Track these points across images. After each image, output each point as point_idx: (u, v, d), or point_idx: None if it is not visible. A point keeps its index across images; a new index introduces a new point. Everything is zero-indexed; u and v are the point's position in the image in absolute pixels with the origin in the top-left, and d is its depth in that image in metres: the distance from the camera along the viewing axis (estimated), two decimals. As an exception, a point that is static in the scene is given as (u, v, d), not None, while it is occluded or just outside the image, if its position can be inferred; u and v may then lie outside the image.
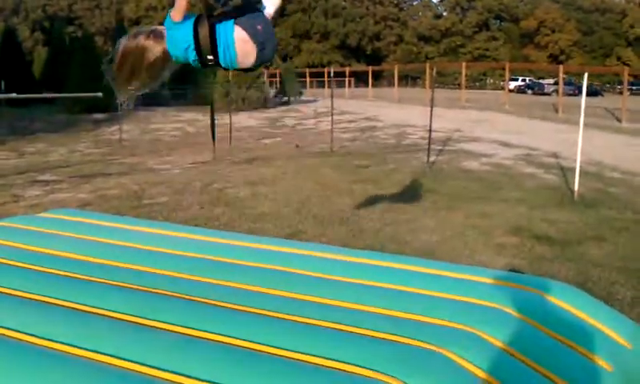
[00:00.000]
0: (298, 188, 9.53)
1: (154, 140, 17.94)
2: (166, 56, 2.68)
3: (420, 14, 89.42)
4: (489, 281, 3.03)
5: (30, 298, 2.71)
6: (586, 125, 9.07)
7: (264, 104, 29.89)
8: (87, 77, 26.78)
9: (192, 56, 2.62)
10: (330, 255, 3.50)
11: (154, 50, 2.65)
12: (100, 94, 14.75)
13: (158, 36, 2.66)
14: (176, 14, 2.56)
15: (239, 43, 2.58)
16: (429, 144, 11.81)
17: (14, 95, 15.42)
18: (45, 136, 19.22)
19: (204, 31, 2.55)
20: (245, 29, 2.57)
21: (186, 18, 2.57)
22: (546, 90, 47.09)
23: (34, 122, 23.65)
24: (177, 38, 2.60)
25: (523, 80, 54.16)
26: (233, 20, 2.58)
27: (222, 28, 2.57)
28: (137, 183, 10.09)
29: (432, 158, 11.94)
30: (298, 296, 2.81)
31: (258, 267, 3.18)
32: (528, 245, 6.34)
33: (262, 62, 2.67)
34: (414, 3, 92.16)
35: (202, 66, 2.68)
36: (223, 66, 2.66)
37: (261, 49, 2.60)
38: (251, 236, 4.60)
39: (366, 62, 74.57)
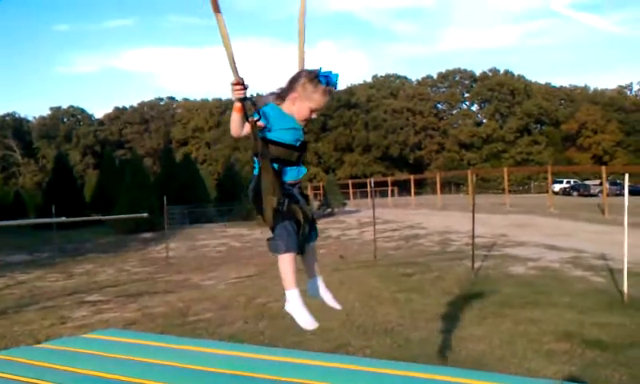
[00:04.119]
0: (342, 299, 9.40)
1: (200, 256, 18.19)
2: None
3: (460, 122, 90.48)
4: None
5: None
6: (632, 225, 8.93)
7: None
8: (136, 197, 27.72)
9: None
10: (375, 369, 3.45)
11: None
12: (146, 215, 15.28)
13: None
14: None
15: None
16: (472, 250, 11.71)
17: (63, 219, 15.93)
18: (94, 257, 19.70)
19: None
20: None
21: None
22: (591, 191, 46.61)
23: (84, 243, 24.31)
24: None
25: (568, 182, 53.91)
26: None
27: None
28: (182, 300, 10.17)
29: (477, 264, 11.81)
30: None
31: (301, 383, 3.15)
32: (579, 350, 6.15)
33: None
34: (454, 112, 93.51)
35: None
36: None
37: None
38: (294, 351, 4.57)
39: (408, 170, 75.27)
